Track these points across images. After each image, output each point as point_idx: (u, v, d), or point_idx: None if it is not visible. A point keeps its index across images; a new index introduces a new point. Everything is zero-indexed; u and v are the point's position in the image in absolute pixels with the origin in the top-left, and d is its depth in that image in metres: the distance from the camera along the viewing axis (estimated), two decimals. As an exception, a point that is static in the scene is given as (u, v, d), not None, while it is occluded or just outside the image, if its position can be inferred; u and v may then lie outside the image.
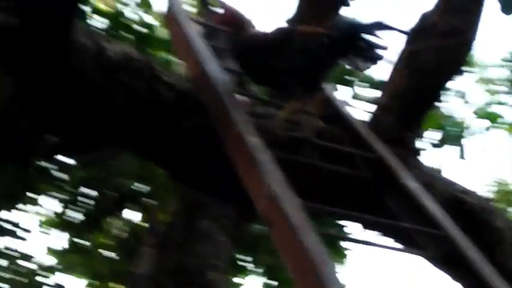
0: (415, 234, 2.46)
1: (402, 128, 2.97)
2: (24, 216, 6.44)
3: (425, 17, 2.94)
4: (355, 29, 2.52)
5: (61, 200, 6.35)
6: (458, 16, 2.90)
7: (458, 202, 2.97)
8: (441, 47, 2.90)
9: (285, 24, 4.14)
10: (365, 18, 2.59)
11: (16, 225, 6.28)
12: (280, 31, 2.62)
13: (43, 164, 5.98)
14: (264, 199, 2.16)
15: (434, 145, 5.56)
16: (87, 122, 2.51)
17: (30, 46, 2.19)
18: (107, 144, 3.00)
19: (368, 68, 2.60)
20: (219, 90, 2.58)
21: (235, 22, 2.63)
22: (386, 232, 2.96)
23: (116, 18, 5.22)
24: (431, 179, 2.97)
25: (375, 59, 2.57)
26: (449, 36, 2.90)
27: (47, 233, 6.63)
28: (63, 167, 6.28)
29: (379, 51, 2.53)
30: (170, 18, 3.04)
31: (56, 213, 6.45)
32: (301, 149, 2.70)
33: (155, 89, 2.56)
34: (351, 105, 5.73)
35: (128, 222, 6.51)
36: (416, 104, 2.99)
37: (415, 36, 2.94)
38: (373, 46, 2.53)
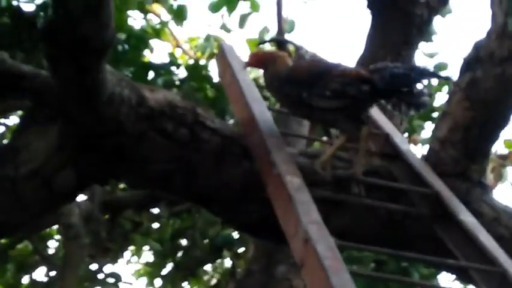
0: (471, 271, 2.33)
1: (466, 160, 2.85)
2: (119, 267, 6.59)
3: (478, 46, 2.82)
4: (397, 80, 2.47)
5: (154, 250, 6.45)
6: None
7: (530, 237, 2.80)
8: (501, 74, 2.77)
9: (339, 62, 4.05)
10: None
11: (119, 278, 6.39)
12: (318, 67, 2.60)
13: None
14: (299, 241, 2.11)
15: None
16: (132, 171, 2.54)
17: (63, 97, 2.26)
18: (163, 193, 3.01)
19: (411, 114, 2.60)
20: (264, 132, 2.57)
21: (261, 62, 2.65)
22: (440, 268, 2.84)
23: (194, 69, 5.31)
24: (497, 213, 2.81)
25: (418, 106, 2.56)
26: (509, 63, 2.77)
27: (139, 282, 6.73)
28: (156, 217, 6.41)
29: (422, 99, 2.53)
30: (222, 62, 3.07)
31: (149, 263, 6.55)
32: (351, 187, 2.63)
33: (198, 134, 2.56)
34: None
35: (219, 269, 6.53)
36: (481, 135, 2.86)
37: (471, 65, 2.83)
38: (416, 95, 2.50)
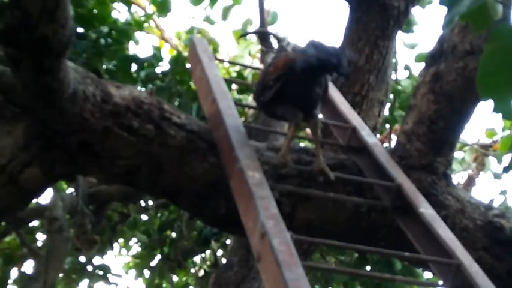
0: (429, 263, 2.38)
1: (431, 153, 2.89)
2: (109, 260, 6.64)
3: (443, 40, 2.85)
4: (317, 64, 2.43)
5: (142, 242, 6.50)
6: (479, 35, 2.79)
7: (494, 227, 2.85)
8: (464, 68, 2.80)
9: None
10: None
11: (108, 270, 6.43)
12: (262, 72, 2.66)
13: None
14: (256, 235, 2.15)
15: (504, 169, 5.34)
16: (98, 167, 2.58)
17: (25, 95, 2.31)
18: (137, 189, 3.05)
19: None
20: (229, 127, 2.61)
21: None
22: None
23: (177, 62, 5.32)
24: (462, 205, 2.86)
25: (344, 76, 2.49)
26: (472, 56, 2.80)
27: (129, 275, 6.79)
28: (144, 209, 6.45)
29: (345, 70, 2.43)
30: (193, 57, 3.10)
31: (137, 255, 6.60)
32: (316, 181, 2.68)
33: (165, 130, 2.60)
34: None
35: (208, 261, 6.58)
36: (446, 128, 2.89)
37: (435, 59, 2.86)
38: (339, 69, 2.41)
